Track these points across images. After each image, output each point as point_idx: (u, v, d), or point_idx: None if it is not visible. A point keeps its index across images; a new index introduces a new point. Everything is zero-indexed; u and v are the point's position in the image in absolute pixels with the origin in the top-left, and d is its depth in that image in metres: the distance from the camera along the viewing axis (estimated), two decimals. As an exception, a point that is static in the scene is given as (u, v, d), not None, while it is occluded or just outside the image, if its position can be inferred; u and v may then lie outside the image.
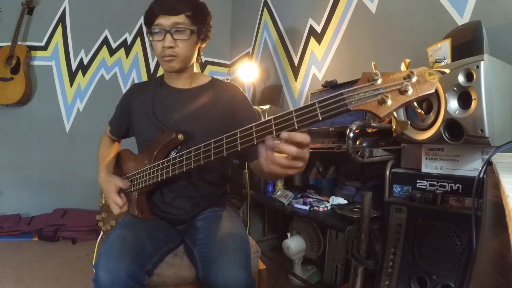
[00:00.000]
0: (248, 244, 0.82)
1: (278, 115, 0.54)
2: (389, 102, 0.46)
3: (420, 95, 0.46)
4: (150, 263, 0.77)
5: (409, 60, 0.49)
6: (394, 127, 0.51)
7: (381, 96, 0.47)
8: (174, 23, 0.83)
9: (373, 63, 0.50)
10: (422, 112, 0.50)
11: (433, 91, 0.46)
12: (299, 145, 0.54)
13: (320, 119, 0.50)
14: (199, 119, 0.91)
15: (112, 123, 1.08)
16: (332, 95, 0.50)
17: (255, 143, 0.57)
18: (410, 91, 0.46)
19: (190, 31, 0.85)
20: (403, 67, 0.48)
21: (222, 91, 0.95)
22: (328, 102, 0.50)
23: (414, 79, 0.46)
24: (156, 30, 0.84)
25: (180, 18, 0.84)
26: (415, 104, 0.48)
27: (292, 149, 0.53)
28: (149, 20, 0.86)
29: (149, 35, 0.87)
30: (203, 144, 0.67)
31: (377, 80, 0.48)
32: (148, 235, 0.81)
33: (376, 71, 0.48)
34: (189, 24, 0.85)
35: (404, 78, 0.47)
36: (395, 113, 0.48)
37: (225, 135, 0.62)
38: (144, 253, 0.76)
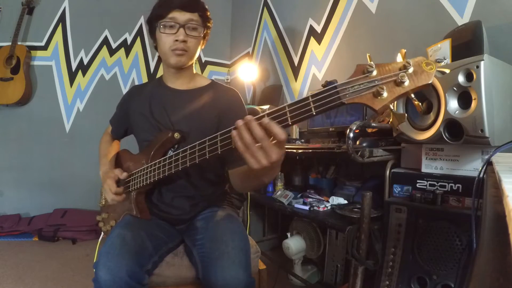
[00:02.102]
0: (248, 244, 0.82)
1: (271, 110, 0.53)
2: (384, 94, 0.45)
3: (417, 86, 0.44)
4: (150, 263, 0.77)
5: (405, 50, 0.47)
6: (391, 120, 0.49)
7: (376, 88, 0.45)
8: (188, 19, 0.86)
9: (368, 54, 0.49)
10: (420, 104, 0.49)
11: (430, 82, 0.44)
12: (271, 135, 0.51)
13: (314, 113, 0.49)
14: (196, 120, 0.91)
15: (112, 122, 1.11)
16: (325, 88, 0.48)
17: None
18: (407, 83, 0.44)
19: (202, 29, 0.89)
20: (399, 57, 0.47)
21: (221, 93, 0.95)
22: (321, 96, 0.48)
23: (410, 70, 0.44)
24: (171, 24, 0.85)
25: (194, 16, 0.87)
26: (412, 95, 0.46)
27: (259, 132, 0.50)
28: (163, 13, 0.86)
29: (160, 27, 0.86)
30: (198, 142, 0.67)
31: (372, 71, 0.46)
32: (148, 235, 0.81)
33: (371, 62, 0.47)
34: (200, 23, 0.88)
35: (400, 69, 0.45)
36: (392, 106, 0.46)
37: (219, 133, 0.61)
38: (144, 252, 0.76)
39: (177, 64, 0.90)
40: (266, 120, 0.51)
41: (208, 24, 0.92)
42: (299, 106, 0.50)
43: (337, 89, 0.48)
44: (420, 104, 0.49)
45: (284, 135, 0.51)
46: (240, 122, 0.53)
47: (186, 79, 0.96)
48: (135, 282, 0.69)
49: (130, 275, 0.68)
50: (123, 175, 0.90)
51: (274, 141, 0.52)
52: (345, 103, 0.47)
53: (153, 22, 0.89)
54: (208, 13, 0.92)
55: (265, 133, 0.51)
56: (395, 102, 0.48)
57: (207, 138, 0.65)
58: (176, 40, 0.85)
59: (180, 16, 0.85)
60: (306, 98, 0.50)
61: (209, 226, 0.86)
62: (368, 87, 0.46)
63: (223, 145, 0.60)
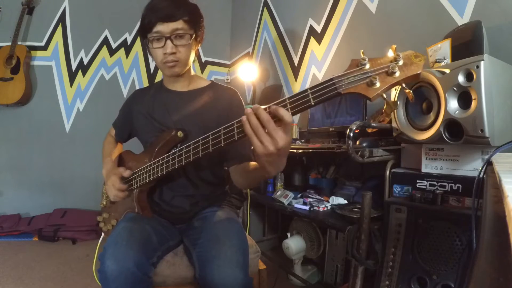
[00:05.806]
0: (246, 244, 0.82)
1: (273, 103, 0.56)
2: (377, 84, 0.49)
3: (407, 76, 0.48)
4: (155, 256, 0.78)
5: (395, 46, 0.50)
6: (384, 107, 0.53)
7: (370, 79, 0.49)
8: (173, 29, 0.84)
9: (361, 50, 0.52)
10: (411, 91, 0.52)
11: (419, 72, 0.48)
12: (278, 120, 0.54)
13: (313, 103, 0.53)
14: (197, 120, 0.92)
15: (115, 125, 1.11)
16: (323, 81, 0.52)
17: None
18: (397, 73, 0.48)
19: (189, 36, 0.87)
20: (390, 52, 0.50)
21: (221, 93, 0.97)
22: (319, 87, 0.52)
23: (400, 62, 0.49)
24: (158, 37, 0.85)
25: (179, 24, 0.84)
26: (404, 85, 0.50)
27: (265, 115, 0.54)
28: (147, 29, 0.86)
29: (148, 43, 0.87)
30: (201, 137, 0.69)
31: (365, 65, 0.50)
32: (153, 229, 0.82)
33: (364, 56, 0.51)
34: (188, 29, 0.86)
35: (391, 62, 0.49)
36: (384, 95, 0.50)
37: (222, 127, 0.63)
38: (150, 245, 0.77)
39: (172, 75, 0.92)
40: (272, 106, 0.55)
41: (199, 24, 0.90)
42: (298, 98, 0.54)
43: (334, 81, 0.52)
44: (411, 92, 0.52)
45: (290, 117, 0.54)
46: (249, 110, 0.56)
47: (185, 82, 0.98)
48: (141, 273, 0.70)
49: (138, 266, 0.69)
50: (127, 172, 0.90)
51: (280, 126, 0.55)
52: (341, 93, 0.51)
53: (142, 35, 0.89)
54: (197, 13, 0.90)
55: (270, 117, 0.54)
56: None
57: (211, 132, 0.66)
58: (165, 53, 0.85)
59: (164, 28, 0.83)
60: (305, 91, 0.54)
61: (208, 226, 0.86)
62: (362, 78, 0.50)
63: (226, 138, 0.62)
